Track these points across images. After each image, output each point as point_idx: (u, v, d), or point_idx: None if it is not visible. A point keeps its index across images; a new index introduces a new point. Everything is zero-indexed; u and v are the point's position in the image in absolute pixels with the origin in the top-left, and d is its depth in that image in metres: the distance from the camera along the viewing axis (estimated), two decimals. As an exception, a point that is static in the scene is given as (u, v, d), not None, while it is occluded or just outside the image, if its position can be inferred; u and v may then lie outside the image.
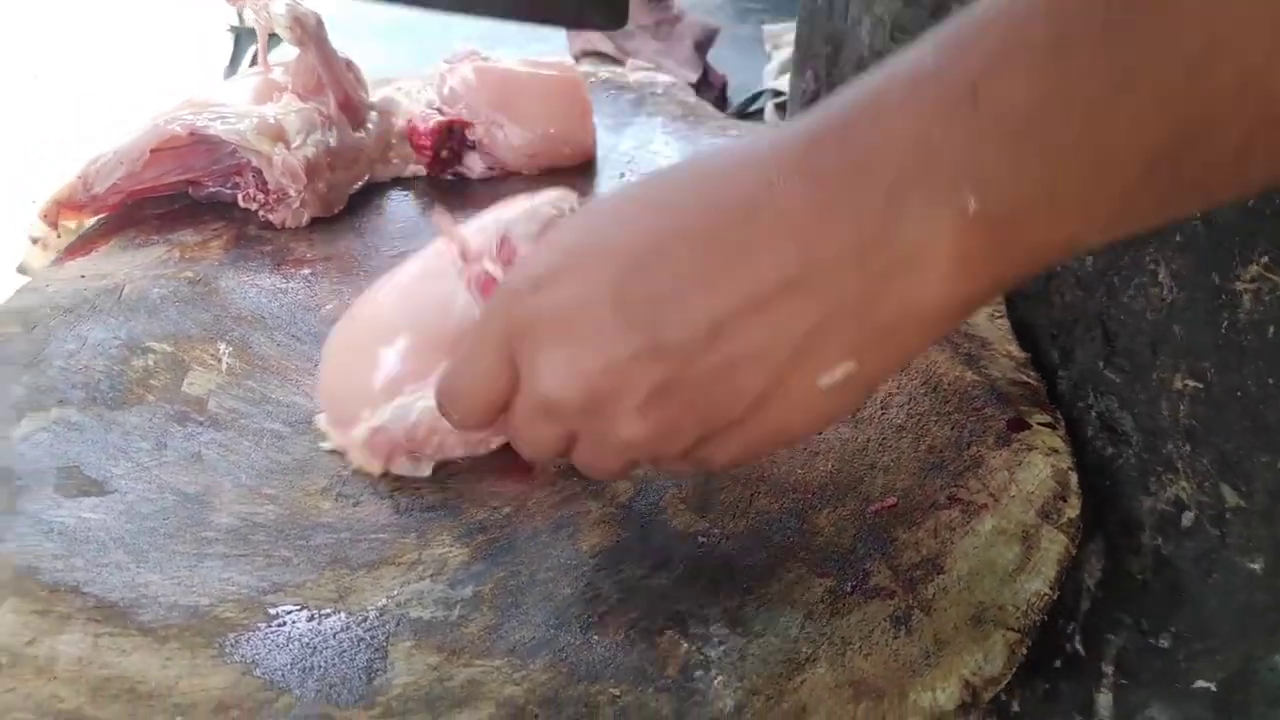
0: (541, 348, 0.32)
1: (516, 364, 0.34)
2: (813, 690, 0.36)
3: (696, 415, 0.32)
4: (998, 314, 0.53)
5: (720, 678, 0.37)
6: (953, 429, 0.45)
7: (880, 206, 0.28)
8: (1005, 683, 0.36)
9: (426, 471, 0.48)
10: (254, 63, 2.60)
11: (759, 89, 1.53)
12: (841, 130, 0.29)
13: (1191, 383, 0.45)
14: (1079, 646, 0.52)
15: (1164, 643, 0.48)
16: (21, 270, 0.66)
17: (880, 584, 0.39)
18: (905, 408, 0.47)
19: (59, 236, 0.67)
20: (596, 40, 1.41)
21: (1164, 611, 0.47)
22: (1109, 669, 0.51)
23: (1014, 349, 0.51)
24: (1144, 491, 0.47)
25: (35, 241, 0.67)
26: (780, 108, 1.41)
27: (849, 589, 0.39)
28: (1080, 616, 0.51)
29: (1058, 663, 0.52)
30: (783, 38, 1.66)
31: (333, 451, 0.49)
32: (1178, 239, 0.45)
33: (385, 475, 0.48)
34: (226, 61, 2.81)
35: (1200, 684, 0.48)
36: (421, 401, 0.46)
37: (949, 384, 0.48)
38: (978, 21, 0.27)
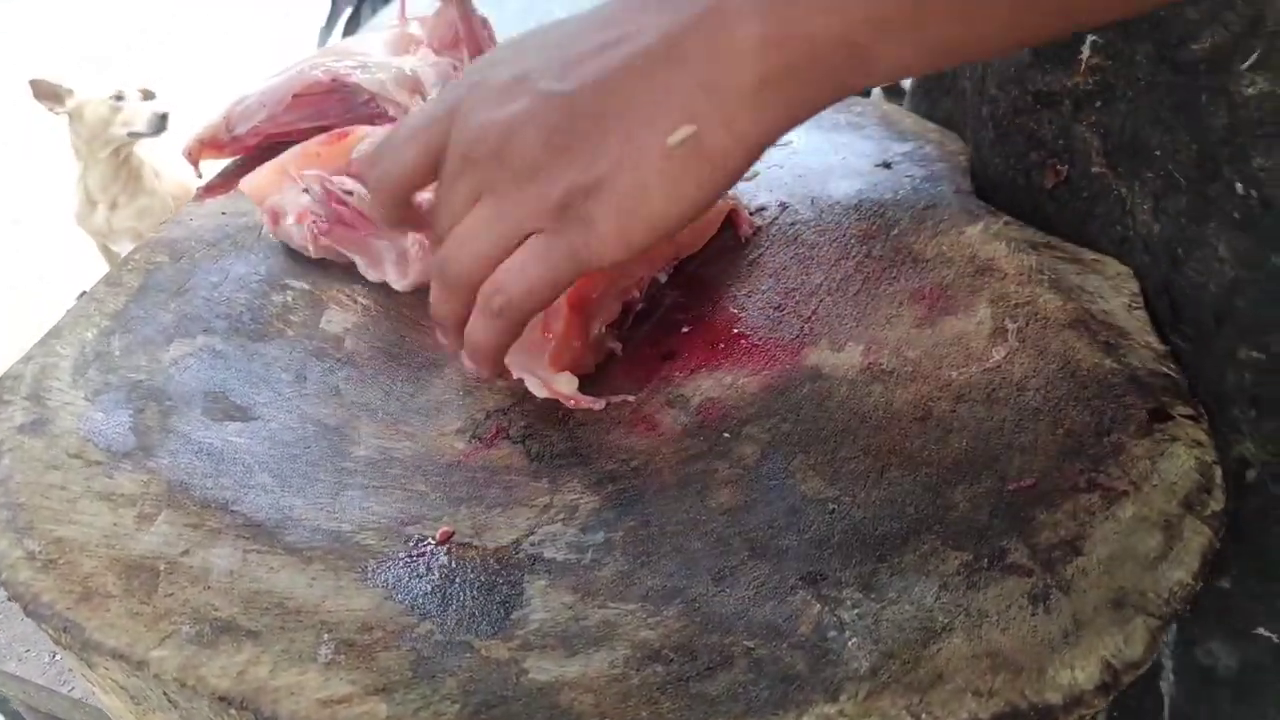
0: (478, 105, 0.39)
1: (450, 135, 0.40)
2: (949, 659, 0.36)
3: (576, 156, 0.37)
4: (1135, 305, 0.52)
5: (854, 640, 0.37)
6: (1092, 415, 0.45)
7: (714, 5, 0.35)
8: (1145, 668, 0.36)
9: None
10: (350, 23, 2.64)
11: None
12: None
13: (1255, 354, 0.48)
14: None
15: (1224, 584, 0.51)
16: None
17: (1017, 562, 0.39)
18: (1042, 391, 0.46)
19: (199, 176, 0.70)
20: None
21: (1225, 556, 0.47)
22: None
23: (1153, 340, 0.50)
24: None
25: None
26: (888, 88, 1.39)
27: (985, 564, 0.39)
28: None
29: None
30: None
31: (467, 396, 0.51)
32: (1235, 217, 0.47)
33: (516, 423, 0.49)
34: (323, 22, 2.87)
35: (1262, 631, 0.51)
36: None
37: (1087, 370, 0.47)
38: None
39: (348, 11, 2.82)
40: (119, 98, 1.99)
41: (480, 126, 0.38)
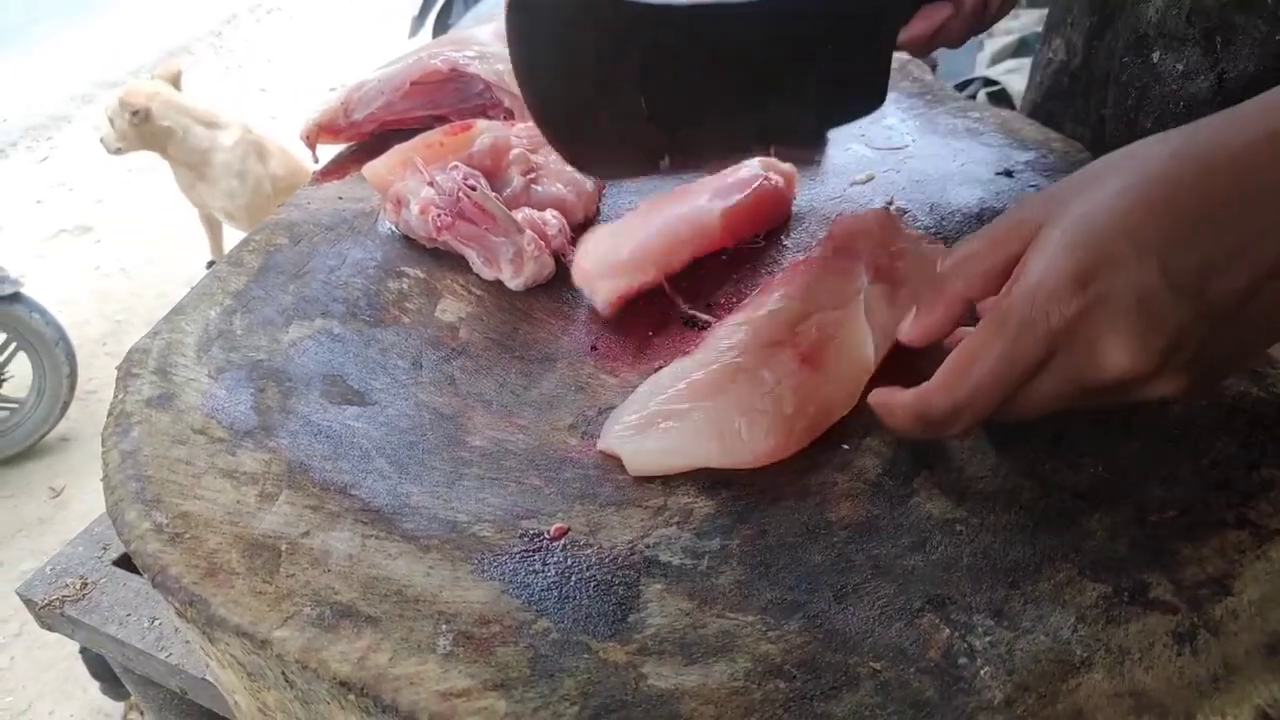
0: (1105, 334, 0.36)
1: (1054, 354, 0.38)
2: (1089, 695, 0.34)
3: (1211, 362, 0.37)
4: None
5: (987, 668, 0.36)
6: (1240, 447, 0.43)
7: None
8: (1302, 721, 0.34)
9: None
10: (442, 13, 2.67)
11: (970, 76, 1.48)
12: None
13: None
14: None
15: None
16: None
17: (1161, 597, 0.37)
18: (1183, 418, 0.44)
19: (316, 160, 0.71)
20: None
21: None
22: None
23: (1302, 370, 0.47)
24: None
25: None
26: (993, 96, 1.35)
27: (1125, 598, 0.37)
28: None
29: None
30: (996, 27, 1.59)
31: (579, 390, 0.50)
32: None
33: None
34: (415, 13, 2.91)
35: None
36: None
37: (1232, 398, 0.45)
38: None
39: (440, 2, 2.86)
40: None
41: (1130, 357, 0.36)
